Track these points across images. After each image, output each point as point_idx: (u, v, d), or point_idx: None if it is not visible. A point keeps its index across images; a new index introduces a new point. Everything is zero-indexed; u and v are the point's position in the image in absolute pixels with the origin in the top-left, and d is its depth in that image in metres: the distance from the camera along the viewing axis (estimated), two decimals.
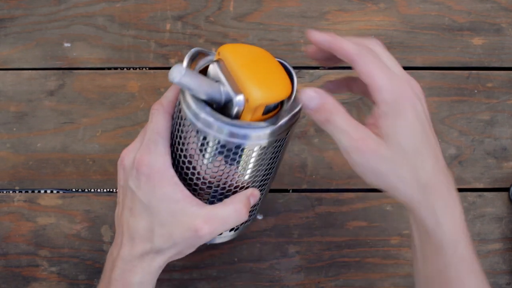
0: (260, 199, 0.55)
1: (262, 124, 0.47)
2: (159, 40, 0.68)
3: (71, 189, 0.68)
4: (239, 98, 0.46)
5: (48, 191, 0.68)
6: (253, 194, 0.51)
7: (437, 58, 0.69)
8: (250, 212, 0.53)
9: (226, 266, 0.67)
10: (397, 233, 0.67)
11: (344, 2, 0.69)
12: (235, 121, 0.47)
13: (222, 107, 0.48)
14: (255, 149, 0.48)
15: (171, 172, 0.49)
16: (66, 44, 0.68)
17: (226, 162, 0.49)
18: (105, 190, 0.68)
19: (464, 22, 0.69)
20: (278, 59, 0.50)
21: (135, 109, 0.68)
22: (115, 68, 0.69)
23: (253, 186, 0.53)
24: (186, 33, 0.68)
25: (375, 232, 0.67)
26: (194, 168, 0.50)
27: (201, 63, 0.50)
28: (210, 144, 0.47)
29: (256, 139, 0.47)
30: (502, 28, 0.69)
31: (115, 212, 0.54)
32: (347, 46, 0.47)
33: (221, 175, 0.50)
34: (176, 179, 0.49)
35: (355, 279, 0.67)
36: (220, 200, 0.52)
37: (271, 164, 0.52)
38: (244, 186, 0.52)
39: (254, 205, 0.55)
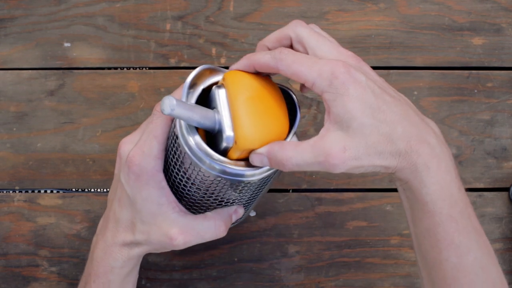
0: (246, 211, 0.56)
1: (242, 169, 0.47)
2: (159, 40, 0.68)
3: (71, 189, 0.68)
4: (229, 135, 0.46)
5: (48, 191, 0.68)
6: (236, 212, 0.52)
7: (437, 58, 0.69)
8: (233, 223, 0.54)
9: (226, 266, 0.67)
10: (397, 233, 0.67)
11: (344, 2, 0.69)
12: (217, 160, 0.46)
13: (215, 133, 0.48)
14: (240, 183, 0.48)
15: (160, 176, 0.50)
16: (66, 44, 0.68)
17: (211, 183, 0.49)
18: (105, 190, 0.68)
19: (464, 22, 0.69)
20: (285, 88, 0.50)
21: (135, 109, 0.68)
22: (115, 68, 0.69)
23: (239, 203, 0.53)
24: (186, 33, 0.68)
25: (375, 232, 0.67)
26: (180, 179, 0.50)
27: (209, 80, 0.49)
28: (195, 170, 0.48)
29: (237, 176, 0.47)
30: (502, 28, 0.69)
31: (108, 195, 0.56)
32: (263, 59, 0.47)
33: (205, 192, 0.50)
34: (163, 183, 0.50)
35: (355, 279, 0.67)
36: (204, 210, 0.52)
37: (259, 188, 0.52)
38: (230, 202, 0.52)
39: (236, 221, 0.55)
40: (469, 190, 0.68)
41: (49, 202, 0.67)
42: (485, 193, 0.68)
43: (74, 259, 0.66)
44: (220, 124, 0.46)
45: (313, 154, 0.45)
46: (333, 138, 0.44)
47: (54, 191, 0.68)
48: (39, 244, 0.67)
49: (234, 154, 0.47)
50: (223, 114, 0.46)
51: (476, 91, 0.69)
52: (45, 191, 0.68)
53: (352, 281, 0.67)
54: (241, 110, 0.46)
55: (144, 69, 0.69)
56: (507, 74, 0.69)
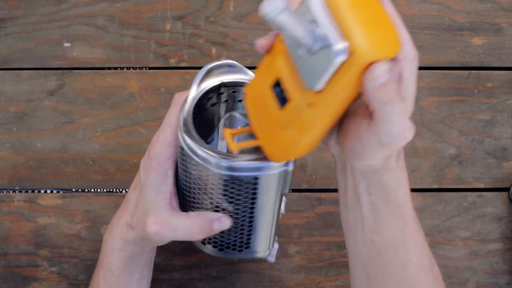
0: (242, 232, 0.53)
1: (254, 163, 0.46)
2: (159, 40, 0.68)
3: (71, 189, 0.68)
4: (341, 46, 0.36)
5: (48, 191, 0.68)
6: (220, 220, 0.51)
7: (437, 58, 0.69)
8: (217, 240, 0.54)
9: (226, 266, 0.67)
10: None
11: None
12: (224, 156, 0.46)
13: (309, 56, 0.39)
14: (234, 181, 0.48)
15: (168, 164, 0.51)
16: (66, 44, 0.68)
17: (206, 182, 0.49)
18: (105, 190, 0.68)
19: (464, 22, 0.69)
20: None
21: (135, 109, 0.68)
22: (115, 68, 0.69)
23: (235, 215, 0.51)
24: (186, 33, 0.68)
25: None
26: (183, 170, 0.50)
27: (210, 81, 0.49)
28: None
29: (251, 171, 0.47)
30: (502, 28, 0.69)
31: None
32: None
33: (199, 188, 0.50)
34: (169, 172, 0.51)
35: None
36: (193, 208, 0.52)
37: (253, 201, 0.50)
38: (220, 210, 0.51)
39: (224, 236, 0.53)
40: (469, 190, 0.68)
41: (49, 202, 0.67)
42: (485, 193, 0.68)
43: (74, 259, 0.66)
44: (324, 38, 0.37)
45: (405, 120, 0.40)
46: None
47: (54, 191, 0.68)
48: (39, 244, 0.67)
49: (345, 76, 0.37)
50: (326, 25, 0.37)
51: (476, 91, 0.69)
52: (45, 191, 0.68)
53: None
54: (352, 14, 0.37)
55: (144, 69, 0.69)
56: (507, 74, 0.69)
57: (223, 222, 0.51)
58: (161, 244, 0.53)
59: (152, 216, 0.50)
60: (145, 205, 0.51)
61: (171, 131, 0.50)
